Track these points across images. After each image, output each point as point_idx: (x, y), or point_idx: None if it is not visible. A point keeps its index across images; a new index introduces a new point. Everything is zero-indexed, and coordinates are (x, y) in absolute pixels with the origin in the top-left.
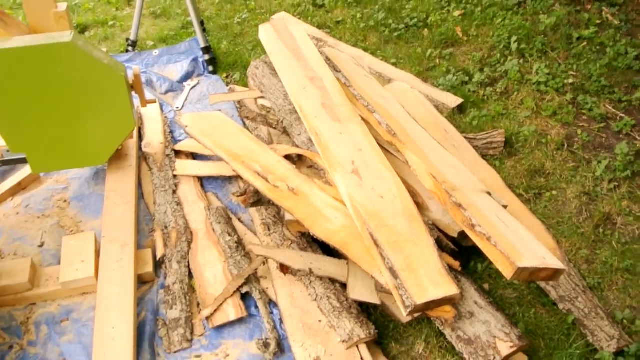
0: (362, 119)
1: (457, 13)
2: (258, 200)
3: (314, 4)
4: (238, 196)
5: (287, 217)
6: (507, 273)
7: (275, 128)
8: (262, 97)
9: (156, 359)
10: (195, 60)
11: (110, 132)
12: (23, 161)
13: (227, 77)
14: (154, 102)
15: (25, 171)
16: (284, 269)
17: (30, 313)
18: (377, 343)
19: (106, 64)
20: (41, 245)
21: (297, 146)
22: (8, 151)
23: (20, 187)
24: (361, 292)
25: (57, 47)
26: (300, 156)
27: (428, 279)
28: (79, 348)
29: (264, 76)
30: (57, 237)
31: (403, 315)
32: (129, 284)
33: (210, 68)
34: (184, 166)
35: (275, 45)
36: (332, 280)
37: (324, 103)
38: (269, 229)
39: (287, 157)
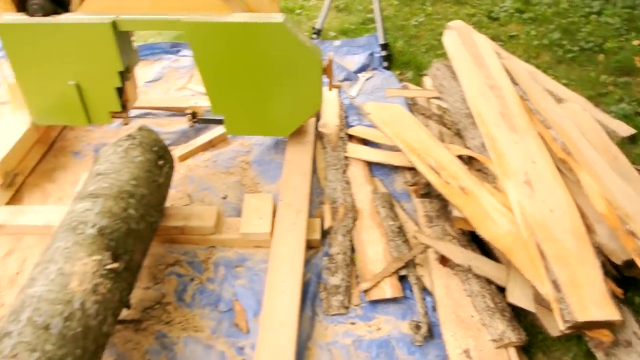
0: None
1: (636, 42)
2: (427, 192)
3: (489, 16)
4: (410, 185)
5: (455, 213)
6: None
7: (449, 128)
8: (436, 98)
9: (315, 317)
10: (371, 54)
11: (298, 108)
12: (219, 122)
13: (400, 74)
14: (339, 87)
15: (216, 131)
16: (443, 260)
17: (210, 254)
18: (525, 350)
19: (308, 47)
20: (224, 198)
21: (469, 149)
22: (208, 111)
23: (210, 144)
24: (519, 297)
25: (271, 26)
26: (470, 159)
27: (591, 299)
28: (249, 293)
29: (444, 78)
30: (238, 193)
31: (555, 328)
32: (300, 245)
33: (385, 64)
34: (356, 150)
35: (458, 50)
36: (488, 281)
37: (501, 112)
38: (430, 221)
39: (458, 158)
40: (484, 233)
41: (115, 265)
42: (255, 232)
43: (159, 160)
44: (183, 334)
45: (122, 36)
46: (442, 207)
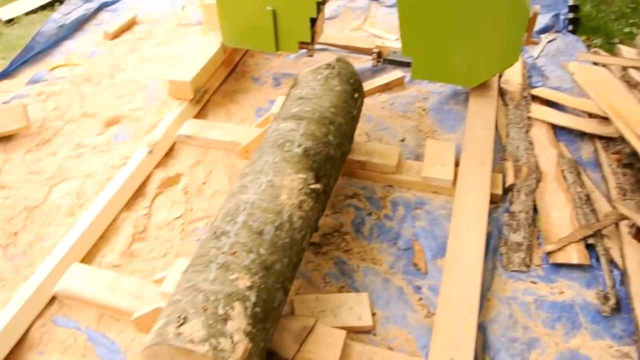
0: None
1: None
2: (630, 163)
3: None
4: (612, 153)
5: None
6: None
7: None
8: (634, 67)
9: (494, 270)
10: (556, 16)
11: (493, 59)
12: (404, 65)
13: (587, 39)
14: (536, 43)
15: (394, 74)
16: (638, 235)
17: (387, 192)
18: None
19: None
20: (402, 140)
21: None
22: (394, 53)
23: (386, 87)
24: None
25: None
26: None
27: None
28: (430, 235)
29: None
30: (415, 138)
31: None
32: (485, 197)
33: (570, 27)
34: (540, 111)
35: None
36: None
37: None
38: (624, 194)
39: None
40: None
41: (317, 185)
42: (438, 177)
43: (354, 93)
44: (362, 264)
45: None
46: (638, 180)
